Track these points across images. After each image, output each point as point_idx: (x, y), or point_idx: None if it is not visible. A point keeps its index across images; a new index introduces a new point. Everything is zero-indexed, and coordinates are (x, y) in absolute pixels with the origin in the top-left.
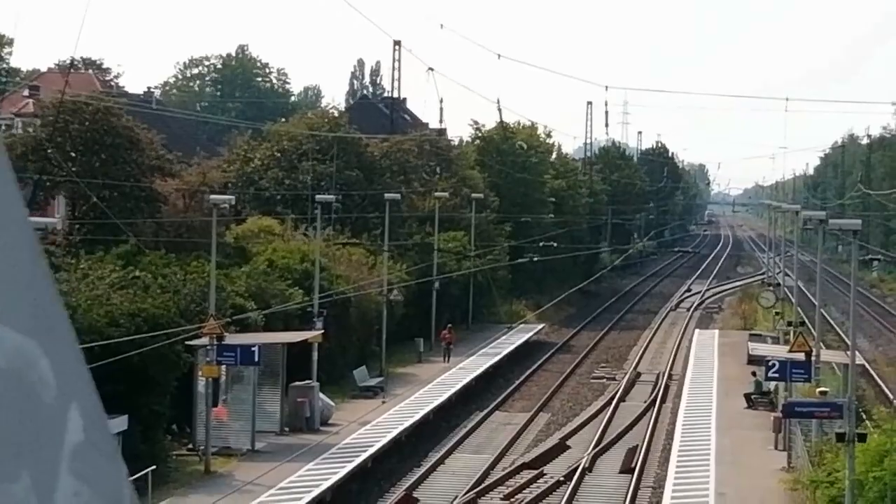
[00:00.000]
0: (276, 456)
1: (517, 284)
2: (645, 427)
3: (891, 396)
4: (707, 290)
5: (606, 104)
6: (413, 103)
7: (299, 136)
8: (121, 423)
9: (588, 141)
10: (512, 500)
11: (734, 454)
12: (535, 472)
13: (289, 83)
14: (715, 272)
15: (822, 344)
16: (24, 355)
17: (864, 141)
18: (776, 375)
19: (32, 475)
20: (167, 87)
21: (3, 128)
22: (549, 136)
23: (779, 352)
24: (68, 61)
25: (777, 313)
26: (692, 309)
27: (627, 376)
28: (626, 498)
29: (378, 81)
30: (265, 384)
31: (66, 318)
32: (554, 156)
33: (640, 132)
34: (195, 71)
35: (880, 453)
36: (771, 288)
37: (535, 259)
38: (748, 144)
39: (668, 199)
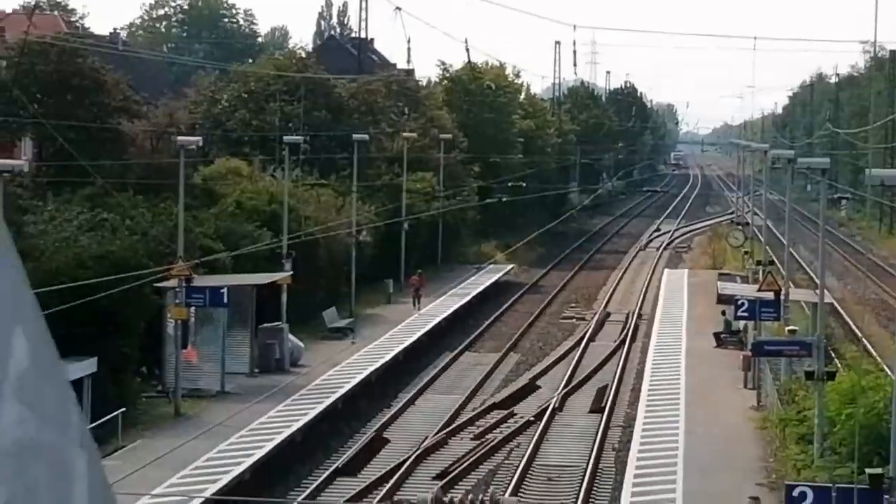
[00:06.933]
0: (246, 397)
1: (486, 225)
2: (615, 367)
3: (859, 335)
4: (676, 229)
5: (574, 44)
6: (381, 44)
7: (266, 77)
8: (90, 365)
9: (556, 81)
10: (482, 440)
11: (704, 393)
12: (506, 412)
13: (255, 24)
14: (684, 212)
15: (791, 283)
16: None
17: (833, 80)
18: (745, 314)
19: None
20: (133, 29)
21: None
22: (517, 76)
23: (748, 291)
24: (33, 2)
25: (746, 252)
26: (661, 248)
27: (597, 316)
28: (596, 437)
29: (345, 22)
30: (234, 326)
31: (8, 237)
32: (522, 96)
33: (608, 72)
34: (161, 12)
35: (853, 392)
36: (740, 227)
37: (504, 200)
38: (717, 84)
39: (637, 138)
